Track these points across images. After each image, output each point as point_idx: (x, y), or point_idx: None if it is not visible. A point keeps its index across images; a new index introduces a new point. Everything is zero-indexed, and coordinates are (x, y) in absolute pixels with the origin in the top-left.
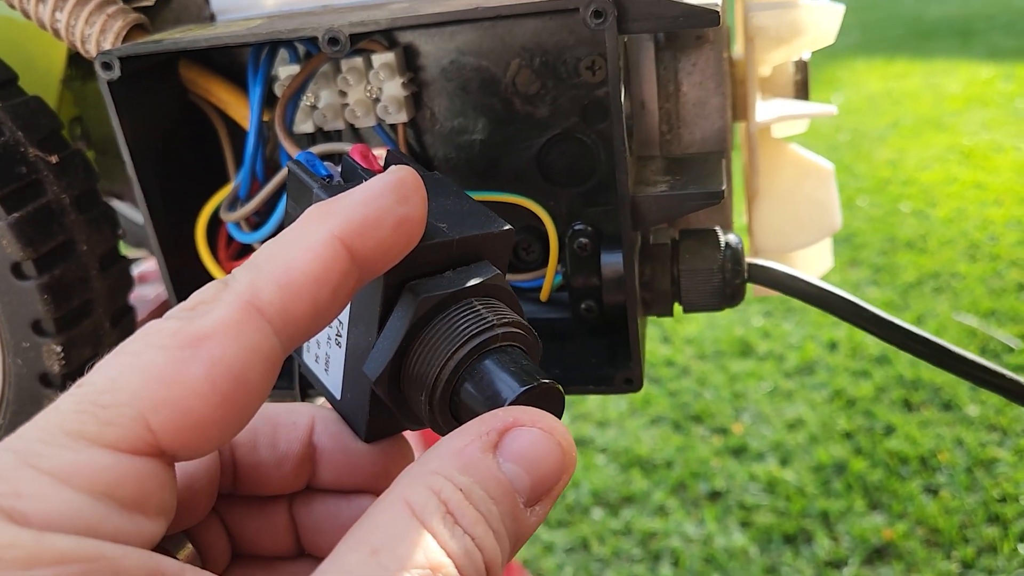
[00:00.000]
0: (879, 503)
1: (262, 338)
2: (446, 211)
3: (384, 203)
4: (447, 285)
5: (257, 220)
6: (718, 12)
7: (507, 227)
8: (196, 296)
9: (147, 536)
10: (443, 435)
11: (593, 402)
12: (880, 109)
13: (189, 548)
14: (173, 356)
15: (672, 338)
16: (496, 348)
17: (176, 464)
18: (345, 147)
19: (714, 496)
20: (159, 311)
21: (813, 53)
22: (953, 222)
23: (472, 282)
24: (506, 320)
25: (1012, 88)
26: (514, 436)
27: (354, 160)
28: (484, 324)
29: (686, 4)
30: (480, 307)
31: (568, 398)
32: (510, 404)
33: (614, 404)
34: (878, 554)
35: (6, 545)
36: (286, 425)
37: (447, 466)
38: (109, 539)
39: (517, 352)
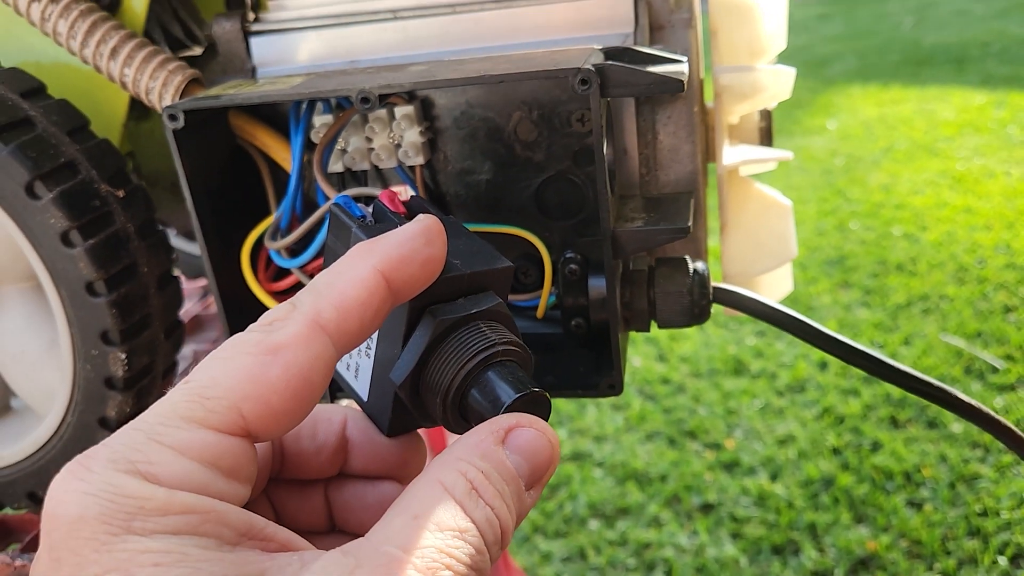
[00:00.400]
0: (864, 516)
1: (323, 348)
2: (459, 250)
3: (416, 245)
4: (459, 310)
5: (295, 248)
6: (683, 81)
7: (508, 264)
8: (271, 315)
9: (240, 497)
10: (452, 431)
11: (591, 417)
12: (875, 134)
13: None
14: (258, 360)
15: (668, 356)
16: (497, 362)
17: None
18: (374, 191)
19: (706, 508)
20: (190, 325)
21: (811, 79)
22: (943, 246)
23: (479, 308)
24: (505, 340)
25: (1004, 115)
26: (517, 434)
27: (383, 204)
28: (488, 343)
29: (656, 74)
30: (485, 328)
31: (566, 414)
32: (508, 407)
33: (611, 420)
34: (862, 565)
35: (147, 498)
36: (324, 421)
37: (470, 455)
38: (216, 498)
39: (514, 365)
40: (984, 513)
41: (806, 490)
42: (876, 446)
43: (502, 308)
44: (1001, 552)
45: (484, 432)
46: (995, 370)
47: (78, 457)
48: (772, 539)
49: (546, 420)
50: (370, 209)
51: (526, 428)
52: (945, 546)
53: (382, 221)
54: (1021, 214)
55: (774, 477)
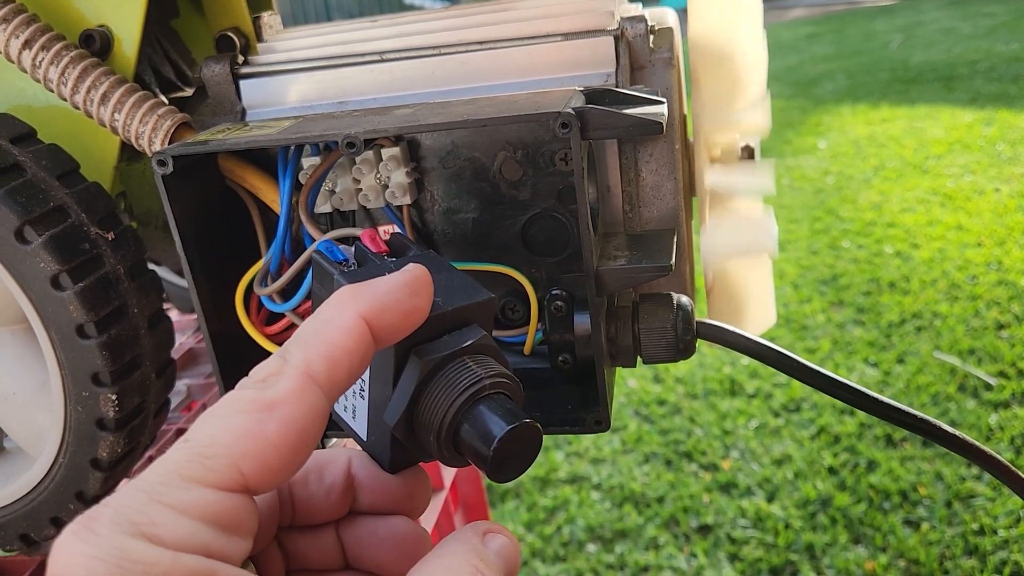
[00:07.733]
0: (862, 536)
1: (316, 400)
2: (440, 286)
3: (400, 295)
4: (444, 348)
5: (287, 290)
6: (661, 123)
7: (490, 296)
8: (263, 370)
9: (241, 553)
10: (447, 464)
11: (588, 441)
12: (865, 153)
13: (251, 567)
14: (255, 418)
15: (663, 378)
16: (486, 396)
17: None
18: (356, 231)
19: (704, 530)
20: (183, 360)
21: (801, 99)
22: (935, 263)
23: (464, 344)
24: (492, 373)
25: (993, 132)
26: (490, 540)
27: (365, 245)
28: (475, 378)
29: (635, 116)
30: (471, 364)
31: (563, 436)
32: (499, 440)
33: (608, 442)
34: None
35: (152, 563)
36: (329, 463)
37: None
38: (218, 557)
39: (502, 397)
40: (981, 531)
41: (803, 511)
42: (872, 465)
43: (487, 340)
44: (999, 571)
45: (467, 534)
46: (989, 387)
47: (80, 518)
48: (770, 561)
49: (537, 451)
50: (352, 250)
51: (497, 534)
52: (943, 565)
53: (365, 263)
54: (1012, 231)
55: (771, 498)
